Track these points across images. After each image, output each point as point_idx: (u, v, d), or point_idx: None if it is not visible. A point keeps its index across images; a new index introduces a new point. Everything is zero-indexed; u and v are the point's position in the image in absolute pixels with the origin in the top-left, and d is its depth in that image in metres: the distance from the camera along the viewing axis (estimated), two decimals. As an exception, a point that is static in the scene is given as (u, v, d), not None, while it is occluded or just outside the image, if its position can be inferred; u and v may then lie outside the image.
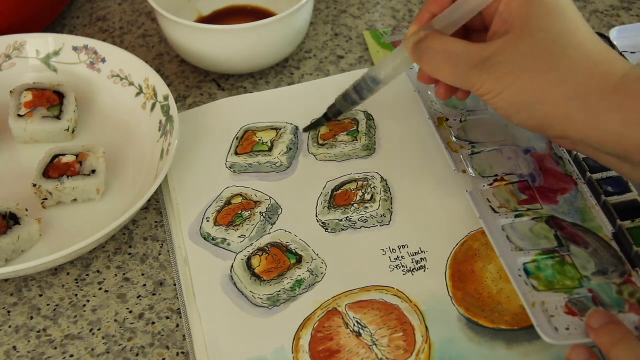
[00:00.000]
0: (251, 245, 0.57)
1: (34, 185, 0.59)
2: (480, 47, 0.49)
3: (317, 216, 0.59)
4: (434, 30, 0.52)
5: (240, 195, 0.61)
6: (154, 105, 0.65)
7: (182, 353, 0.52)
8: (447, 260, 0.56)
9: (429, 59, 0.52)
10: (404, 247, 0.57)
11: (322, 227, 0.58)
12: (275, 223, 0.59)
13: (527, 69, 0.48)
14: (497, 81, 0.49)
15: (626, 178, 0.56)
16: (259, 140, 0.65)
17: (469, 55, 0.50)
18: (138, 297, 0.56)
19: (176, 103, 0.64)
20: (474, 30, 0.55)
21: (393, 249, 0.56)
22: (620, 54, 0.66)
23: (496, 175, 0.59)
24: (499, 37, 0.49)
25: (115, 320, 0.54)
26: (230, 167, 0.63)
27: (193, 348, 0.52)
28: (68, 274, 0.57)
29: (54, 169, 0.60)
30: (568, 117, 0.47)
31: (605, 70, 0.47)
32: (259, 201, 0.60)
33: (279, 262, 0.56)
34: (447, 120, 0.63)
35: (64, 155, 0.61)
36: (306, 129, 0.64)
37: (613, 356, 0.45)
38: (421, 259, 0.56)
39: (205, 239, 0.58)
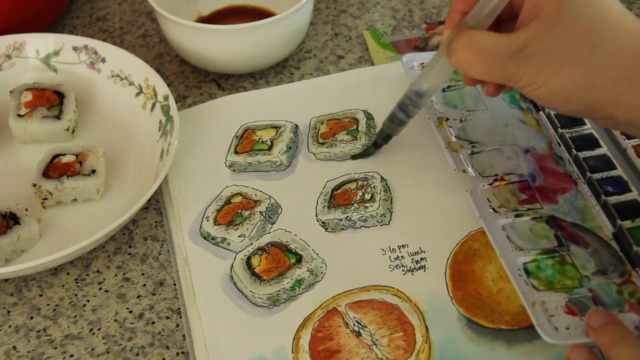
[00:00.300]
0: (251, 244, 0.57)
1: (34, 185, 0.59)
2: (512, 37, 0.47)
3: (317, 215, 0.59)
4: (464, 28, 0.50)
5: (240, 194, 0.61)
6: (153, 105, 0.65)
7: (182, 353, 0.52)
8: (447, 260, 0.56)
9: (460, 57, 0.49)
10: (403, 246, 0.57)
11: (322, 226, 0.58)
12: (275, 222, 0.59)
13: (568, 56, 0.46)
14: (538, 73, 0.47)
15: None
16: (259, 138, 0.65)
17: (500, 47, 0.47)
18: (138, 297, 0.56)
19: (176, 103, 0.64)
20: (503, 20, 0.53)
21: (393, 249, 0.56)
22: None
23: (496, 175, 0.59)
24: (529, 22, 0.47)
25: (115, 320, 0.54)
26: (230, 166, 0.63)
27: (193, 348, 0.52)
28: (68, 273, 0.57)
29: (54, 169, 0.60)
30: (616, 100, 0.46)
31: None
32: (258, 200, 0.60)
33: (279, 261, 0.56)
34: (447, 119, 0.63)
35: (63, 155, 0.61)
36: (355, 157, 0.62)
37: (613, 356, 0.45)
38: (421, 258, 0.56)
39: (205, 238, 0.58)
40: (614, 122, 0.49)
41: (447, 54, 0.50)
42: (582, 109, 0.49)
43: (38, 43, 0.69)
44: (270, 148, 0.64)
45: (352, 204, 0.59)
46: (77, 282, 0.57)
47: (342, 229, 0.58)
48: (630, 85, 0.46)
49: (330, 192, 0.60)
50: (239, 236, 0.58)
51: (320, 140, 0.64)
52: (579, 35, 0.46)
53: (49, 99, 0.64)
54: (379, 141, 0.60)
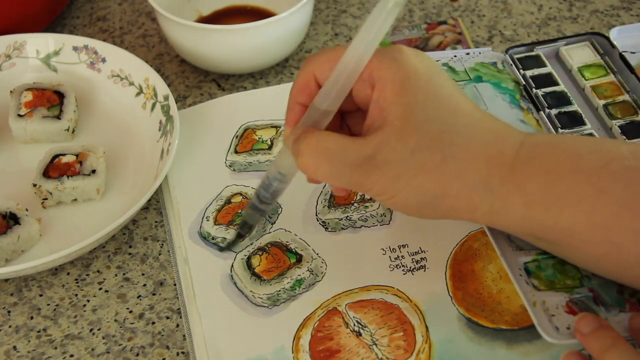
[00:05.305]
0: (251, 244, 0.57)
1: (34, 185, 0.59)
2: (360, 143, 0.45)
3: (317, 215, 0.59)
4: (308, 126, 0.47)
5: (240, 194, 0.61)
6: (154, 105, 0.65)
7: (182, 353, 0.52)
8: (447, 260, 0.56)
9: (306, 160, 0.46)
10: (404, 246, 0.57)
11: (322, 226, 0.58)
12: (275, 222, 0.59)
13: (420, 166, 0.45)
14: (391, 183, 0.45)
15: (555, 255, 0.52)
16: (259, 138, 0.65)
17: (348, 152, 0.45)
18: (138, 297, 0.56)
19: (176, 103, 0.64)
20: (346, 112, 0.50)
21: (393, 249, 0.56)
22: (621, 54, 0.66)
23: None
24: (377, 128, 0.45)
25: (115, 320, 0.54)
26: (230, 166, 0.63)
27: (193, 348, 0.52)
28: (68, 273, 0.57)
29: (54, 169, 0.60)
30: (472, 207, 0.46)
31: (499, 150, 0.46)
32: (259, 201, 0.60)
33: (279, 261, 0.56)
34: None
35: (64, 155, 0.61)
36: (225, 249, 0.57)
37: None
38: (421, 258, 0.56)
39: (205, 238, 0.58)
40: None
41: (293, 154, 0.47)
42: (439, 216, 0.47)
43: (38, 43, 0.69)
44: (270, 147, 0.64)
45: (352, 204, 0.59)
46: (77, 282, 0.57)
47: (342, 229, 0.58)
48: (485, 190, 0.45)
49: (330, 192, 0.60)
50: (239, 236, 0.58)
51: (321, 140, 0.64)
52: (429, 143, 0.45)
53: (49, 99, 0.64)
54: (241, 232, 0.53)
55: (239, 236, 0.53)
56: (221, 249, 0.57)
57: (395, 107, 0.45)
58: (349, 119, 0.52)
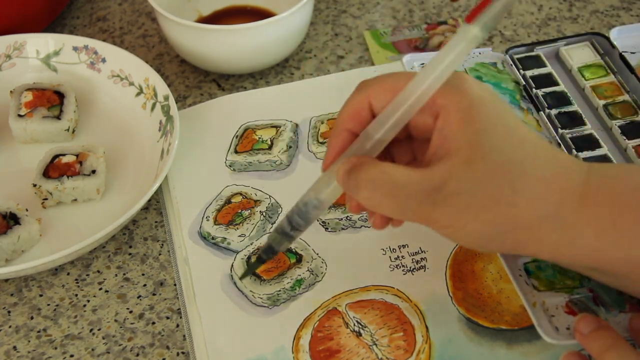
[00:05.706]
0: (251, 244, 0.57)
1: (34, 185, 0.59)
2: (426, 174, 0.42)
3: (317, 216, 0.59)
4: (364, 156, 0.44)
5: (240, 194, 0.61)
6: (154, 105, 0.65)
7: (182, 353, 0.52)
8: (447, 260, 0.56)
9: (368, 193, 0.43)
10: (404, 246, 0.57)
11: (322, 226, 0.58)
12: (275, 222, 0.59)
13: (490, 197, 0.42)
14: (458, 215, 0.43)
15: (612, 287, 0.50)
16: (259, 138, 0.65)
17: (412, 184, 0.42)
18: (138, 297, 0.56)
19: (176, 103, 0.64)
20: (394, 141, 0.46)
21: (393, 249, 0.56)
22: (621, 54, 0.66)
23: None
24: (442, 158, 0.43)
25: (115, 320, 0.54)
26: (230, 166, 0.63)
27: (193, 348, 0.52)
28: (68, 274, 0.57)
29: (54, 169, 0.60)
30: (541, 239, 0.44)
31: (566, 180, 0.44)
32: (258, 200, 0.60)
33: (279, 261, 0.56)
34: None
35: (64, 155, 0.61)
36: (243, 276, 0.54)
37: None
38: (421, 258, 0.56)
39: (205, 238, 0.58)
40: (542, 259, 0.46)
41: (349, 185, 0.44)
42: (504, 250, 0.46)
43: (38, 43, 0.69)
44: (270, 147, 0.64)
45: (352, 204, 0.59)
46: (77, 282, 0.57)
47: (343, 229, 0.58)
48: (555, 221, 0.43)
49: (330, 192, 0.60)
50: (239, 236, 0.58)
51: (321, 140, 0.64)
52: (499, 174, 0.42)
53: (49, 99, 0.64)
54: (263, 256, 0.50)
55: (261, 261, 0.50)
56: (240, 278, 0.55)
57: (461, 136, 0.42)
58: (394, 148, 0.49)
